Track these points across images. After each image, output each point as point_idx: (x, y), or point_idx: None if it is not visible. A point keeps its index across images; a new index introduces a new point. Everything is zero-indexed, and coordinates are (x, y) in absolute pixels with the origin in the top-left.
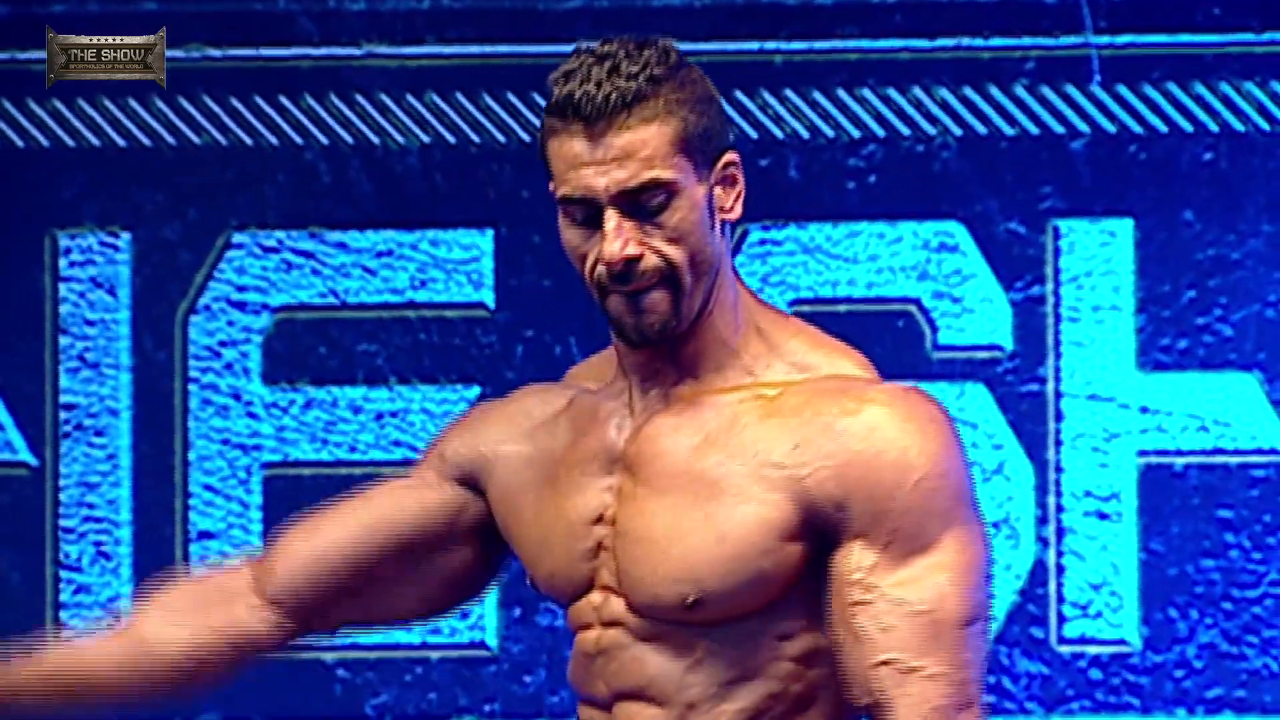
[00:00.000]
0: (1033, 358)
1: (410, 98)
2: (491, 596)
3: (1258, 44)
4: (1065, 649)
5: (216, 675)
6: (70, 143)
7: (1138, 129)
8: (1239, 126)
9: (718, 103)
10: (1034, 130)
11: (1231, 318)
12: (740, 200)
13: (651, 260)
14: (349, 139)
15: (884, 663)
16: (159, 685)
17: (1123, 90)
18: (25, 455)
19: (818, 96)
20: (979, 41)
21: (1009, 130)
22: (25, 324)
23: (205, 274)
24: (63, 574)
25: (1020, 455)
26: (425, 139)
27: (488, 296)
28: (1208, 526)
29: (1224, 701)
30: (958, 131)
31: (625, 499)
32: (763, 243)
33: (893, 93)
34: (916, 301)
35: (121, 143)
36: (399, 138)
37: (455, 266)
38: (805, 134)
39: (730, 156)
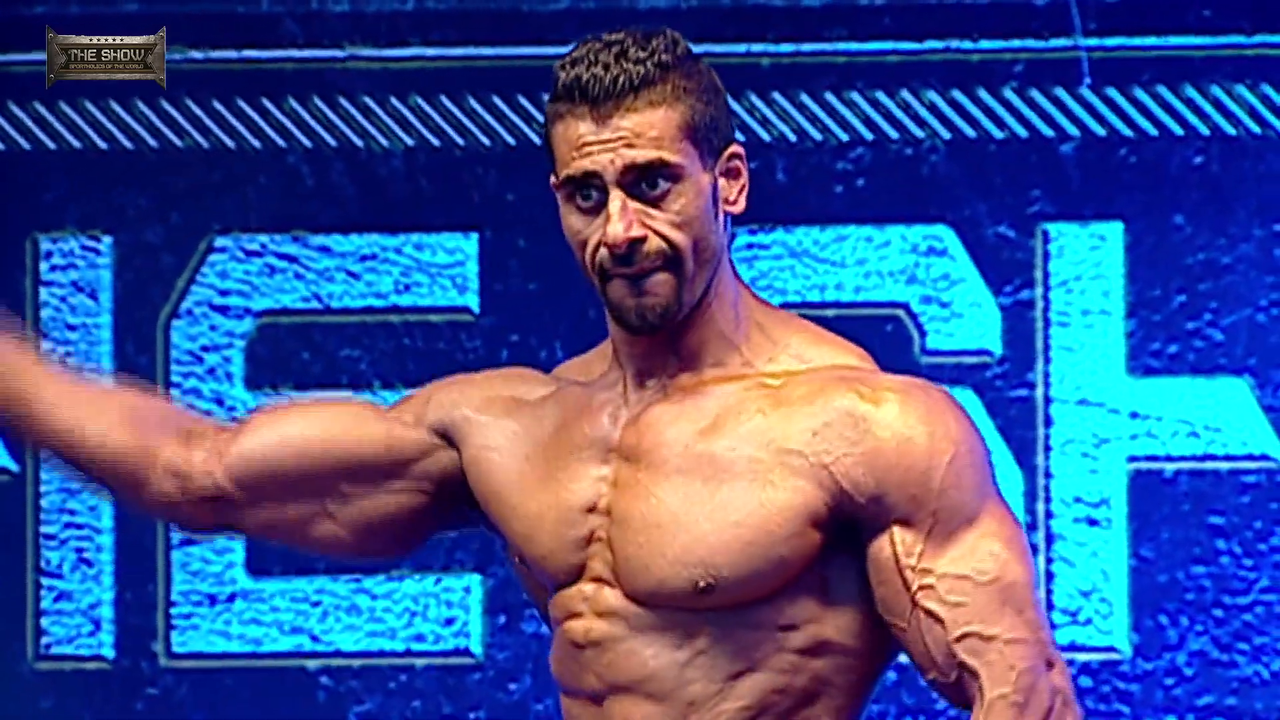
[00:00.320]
0: (1022, 362)
1: (394, 100)
2: (476, 604)
3: (1248, 46)
4: None
5: (138, 495)
6: (51, 146)
7: (1127, 132)
8: (1229, 130)
9: (724, 95)
10: (1023, 133)
11: (1222, 322)
12: (744, 194)
13: (655, 243)
14: (332, 142)
15: (962, 637)
16: (89, 464)
17: (1112, 93)
18: (6, 461)
19: (805, 99)
20: (968, 44)
21: (998, 133)
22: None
23: (187, 278)
24: (44, 580)
25: (1009, 461)
26: (409, 142)
27: (472, 300)
28: (1198, 533)
29: (1215, 709)
30: (946, 134)
31: (623, 488)
32: (750, 246)
33: (881, 95)
34: (905, 306)
35: (103, 146)
36: (383, 140)
37: (439, 270)
38: (793, 137)
39: (735, 149)
